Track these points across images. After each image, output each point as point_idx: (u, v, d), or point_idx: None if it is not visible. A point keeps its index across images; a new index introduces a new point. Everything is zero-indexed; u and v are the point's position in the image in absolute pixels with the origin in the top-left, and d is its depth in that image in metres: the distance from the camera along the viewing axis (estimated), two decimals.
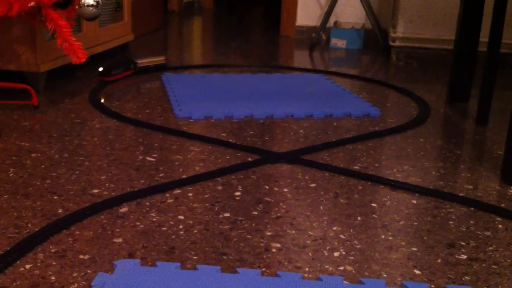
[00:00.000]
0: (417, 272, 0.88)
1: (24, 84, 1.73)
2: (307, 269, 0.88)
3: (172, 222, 1.01)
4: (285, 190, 1.17)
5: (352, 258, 0.92)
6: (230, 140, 1.46)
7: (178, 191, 1.14)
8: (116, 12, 2.52)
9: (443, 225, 1.04)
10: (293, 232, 0.99)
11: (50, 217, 1.01)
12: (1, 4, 1.45)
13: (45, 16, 1.51)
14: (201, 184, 1.18)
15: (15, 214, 1.02)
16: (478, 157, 1.43)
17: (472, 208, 1.12)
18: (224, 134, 1.51)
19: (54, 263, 0.86)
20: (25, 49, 1.77)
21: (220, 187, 1.17)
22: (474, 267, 0.90)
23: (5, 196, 1.09)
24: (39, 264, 0.86)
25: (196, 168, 1.27)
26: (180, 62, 2.58)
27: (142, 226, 0.99)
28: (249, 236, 0.97)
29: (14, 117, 1.59)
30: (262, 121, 1.66)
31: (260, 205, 1.10)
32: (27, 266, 0.85)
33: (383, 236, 0.99)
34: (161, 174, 1.23)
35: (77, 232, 0.96)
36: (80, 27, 2.09)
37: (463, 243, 0.98)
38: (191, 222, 1.01)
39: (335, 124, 1.65)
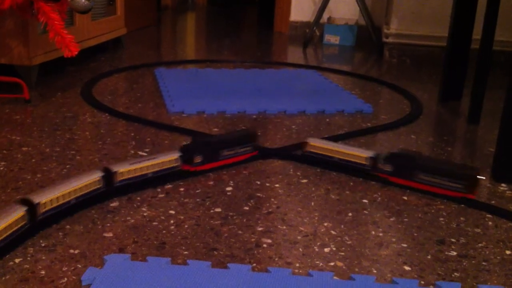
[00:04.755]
0: (407, 268, 0.88)
1: (16, 77, 1.72)
2: (297, 264, 0.88)
3: (163, 217, 1.01)
4: (277, 185, 1.17)
5: (342, 254, 0.92)
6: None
7: (169, 186, 1.14)
8: (109, 6, 2.51)
9: (433, 222, 1.05)
10: (284, 227, 1.00)
11: None
12: None
13: (37, 9, 1.50)
14: (193, 179, 1.18)
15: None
16: (469, 154, 1.44)
17: (462, 205, 1.12)
18: (216, 129, 1.51)
19: (44, 258, 0.86)
20: (17, 43, 1.76)
21: (211, 182, 1.17)
22: (464, 263, 0.91)
23: None
24: (29, 259, 0.86)
25: None
26: (173, 57, 2.57)
27: (132, 221, 0.99)
28: (240, 232, 0.97)
29: (6, 111, 1.58)
30: (254, 116, 1.66)
31: (252, 201, 1.10)
32: (17, 260, 0.85)
33: (373, 232, 0.99)
34: None
35: (68, 227, 0.96)
36: (72, 20, 2.08)
37: (453, 240, 0.98)
38: (182, 217, 1.01)
39: (327, 120, 1.66)
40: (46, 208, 0.94)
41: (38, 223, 0.93)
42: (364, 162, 1.23)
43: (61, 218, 0.98)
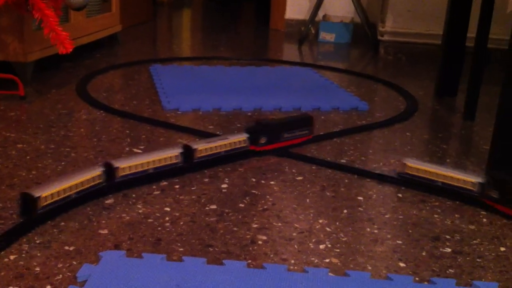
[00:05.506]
0: (402, 264, 0.89)
1: (11, 74, 1.71)
2: (293, 261, 0.88)
3: (158, 214, 1.01)
4: (272, 183, 1.17)
5: (337, 250, 0.92)
6: (218, 133, 1.46)
7: (165, 183, 1.14)
8: (104, 3, 2.51)
9: (428, 218, 1.05)
10: (280, 224, 1.00)
11: None
12: None
13: (32, 5, 1.49)
14: (188, 176, 1.18)
15: (0, 205, 1.01)
16: (464, 151, 1.44)
17: (457, 202, 1.13)
18: (211, 127, 1.51)
19: (39, 254, 0.86)
20: (12, 39, 1.76)
21: (207, 180, 1.17)
22: (459, 260, 0.91)
23: None
24: (23, 255, 0.85)
25: None
26: (169, 54, 2.57)
27: (128, 217, 0.99)
28: (235, 228, 0.97)
29: (0, 107, 1.58)
30: (250, 113, 1.66)
31: (247, 198, 1.10)
32: (12, 257, 0.85)
33: (368, 229, 1.00)
34: None
35: (63, 223, 0.96)
36: (67, 17, 2.07)
37: (448, 237, 0.98)
38: (177, 214, 1.01)
39: (323, 117, 1.66)
40: (125, 173, 1.08)
41: (115, 184, 1.07)
42: (471, 188, 1.13)
43: (139, 183, 1.11)
